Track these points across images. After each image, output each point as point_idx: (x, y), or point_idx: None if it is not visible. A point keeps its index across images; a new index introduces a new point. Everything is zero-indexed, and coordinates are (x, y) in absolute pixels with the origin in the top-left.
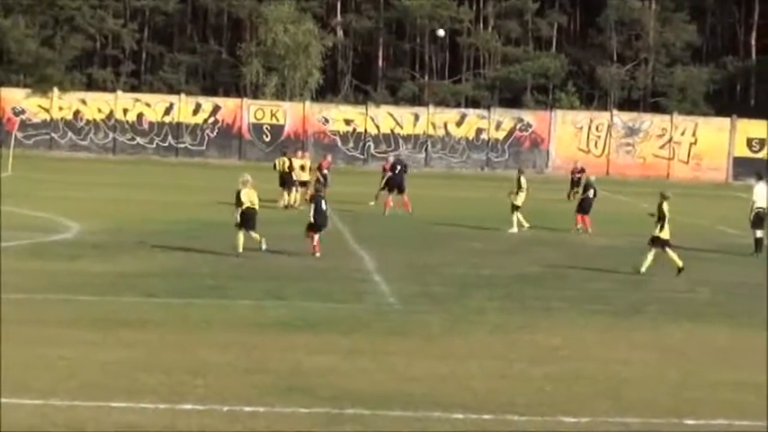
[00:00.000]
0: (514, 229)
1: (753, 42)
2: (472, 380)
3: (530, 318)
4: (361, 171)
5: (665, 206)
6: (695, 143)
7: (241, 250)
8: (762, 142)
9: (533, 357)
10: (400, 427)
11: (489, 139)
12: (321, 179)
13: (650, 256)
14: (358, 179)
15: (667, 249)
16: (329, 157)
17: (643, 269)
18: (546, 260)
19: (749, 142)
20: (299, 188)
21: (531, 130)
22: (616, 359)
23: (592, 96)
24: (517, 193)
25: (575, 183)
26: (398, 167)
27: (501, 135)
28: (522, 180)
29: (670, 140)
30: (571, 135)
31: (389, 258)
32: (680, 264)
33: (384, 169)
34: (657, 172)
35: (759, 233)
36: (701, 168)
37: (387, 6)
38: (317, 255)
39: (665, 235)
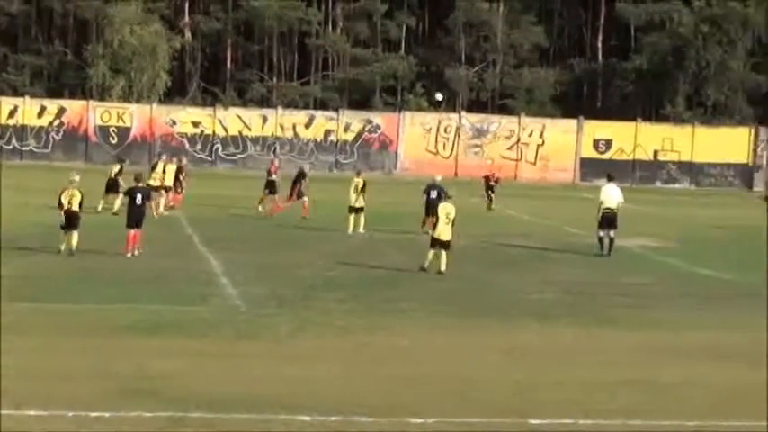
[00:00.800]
0: (357, 231)
1: (599, 44)
2: (319, 382)
3: (377, 319)
4: (209, 173)
5: (440, 209)
6: (543, 144)
7: (63, 247)
8: (608, 143)
9: (380, 358)
10: (246, 430)
11: (338, 140)
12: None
13: (430, 255)
14: (206, 182)
15: (443, 251)
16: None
17: (430, 267)
18: (394, 262)
19: (596, 143)
20: (165, 193)
21: (379, 132)
22: (463, 360)
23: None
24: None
25: (489, 188)
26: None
27: (350, 137)
28: (357, 181)
29: (518, 142)
30: (420, 137)
31: (236, 260)
32: (443, 268)
33: (269, 173)
34: (505, 173)
35: (602, 233)
36: (549, 169)
37: (235, 8)
38: (129, 254)
39: (443, 236)
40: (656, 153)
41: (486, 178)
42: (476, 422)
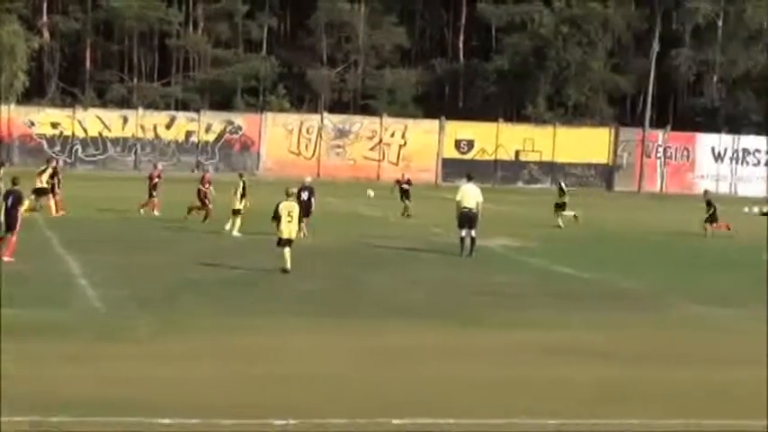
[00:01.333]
0: (236, 233)
1: (461, 45)
2: (182, 383)
3: (241, 320)
4: (68, 175)
5: (282, 207)
6: (405, 145)
7: None
8: (470, 143)
9: (244, 359)
10: None
11: (199, 141)
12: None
13: (286, 254)
14: (66, 183)
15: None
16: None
17: (288, 267)
18: (260, 263)
19: (457, 143)
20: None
21: (241, 133)
22: (328, 360)
23: (302, 99)
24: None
25: (404, 192)
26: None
27: (211, 137)
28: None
29: (380, 142)
30: (282, 137)
31: (96, 262)
32: (287, 266)
33: (151, 177)
34: (368, 173)
35: (464, 233)
36: (411, 170)
37: (94, 8)
38: (5, 259)
39: (287, 234)
40: (517, 153)
41: (398, 182)
42: (339, 422)
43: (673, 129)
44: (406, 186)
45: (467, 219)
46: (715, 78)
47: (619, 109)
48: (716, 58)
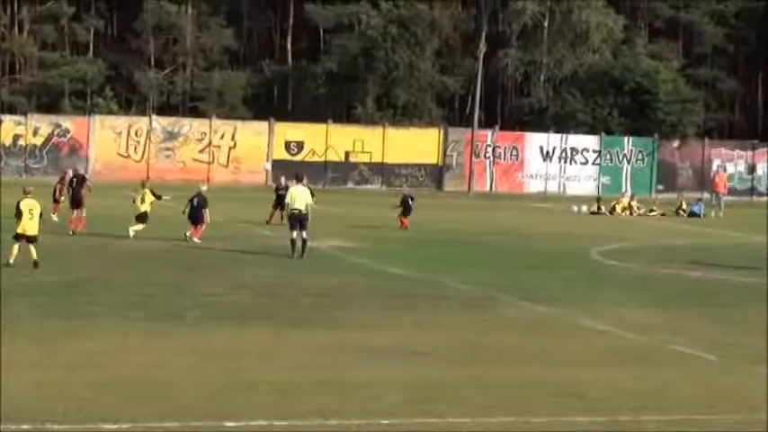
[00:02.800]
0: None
1: (289, 46)
2: (7, 389)
3: (70, 324)
4: None
5: (22, 204)
6: (234, 147)
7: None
8: (300, 145)
9: (73, 364)
10: None
11: (27, 145)
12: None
13: (15, 250)
14: None
15: (31, 245)
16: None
17: (11, 261)
18: (92, 266)
19: (287, 145)
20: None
21: (69, 136)
22: (157, 364)
23: (131, 101)
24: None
25: (280, 198)
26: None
27: (39, 141)
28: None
29: (209, 144)
30: (110, 140)
31: None
32: (36, 257)
33: (61, 182)
34: (198, 176)
35: (294, 234)
36: (241, 172)
37: None
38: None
39: (26, 231)
40: (347, 154)
41: (277, 189)
42: (171, 426)
43: (501, 129)
44: (282, 192)
45: (297, 220)
46: (542, 78)
47: (448, 109)
48: (543, 58)
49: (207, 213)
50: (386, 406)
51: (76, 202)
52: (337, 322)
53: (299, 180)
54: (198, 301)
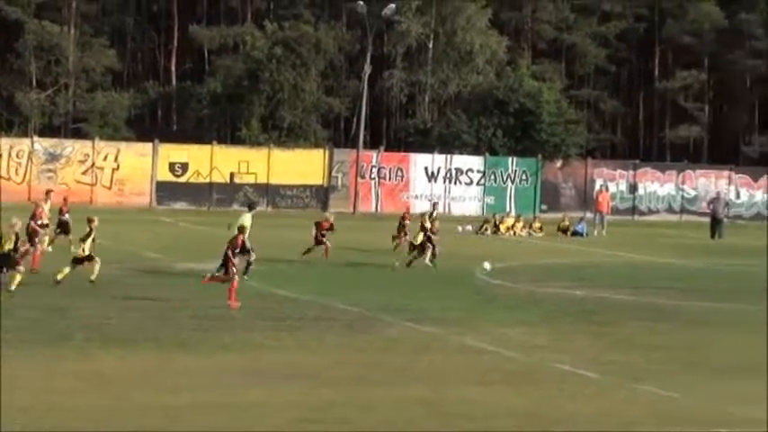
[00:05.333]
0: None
1: (173, 68)
2: None
3: None
4: None
5: None
6: (118, 168)
7: None
8: (184, 166)
9: None
10: None
11: None
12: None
13: None
14: None
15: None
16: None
17: None
18: None
19: (171, 166)
20: None
21: None
22: (45, 388)
23: (12, 122)
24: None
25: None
26: None
27: None
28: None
29: (92, 166)
30: None
31: None
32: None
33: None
34: (81, 198)
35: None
36: (125, 194)
37: None
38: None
39: None
40: (232, 175)
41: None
42: None
43: (386, 149)
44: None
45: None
46: (427, 99)
47: (333, 130)
48: (427, 79)
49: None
50: (271, 428)
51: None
52: (223, 345)
53: (250, 209)
54: (83, 323)
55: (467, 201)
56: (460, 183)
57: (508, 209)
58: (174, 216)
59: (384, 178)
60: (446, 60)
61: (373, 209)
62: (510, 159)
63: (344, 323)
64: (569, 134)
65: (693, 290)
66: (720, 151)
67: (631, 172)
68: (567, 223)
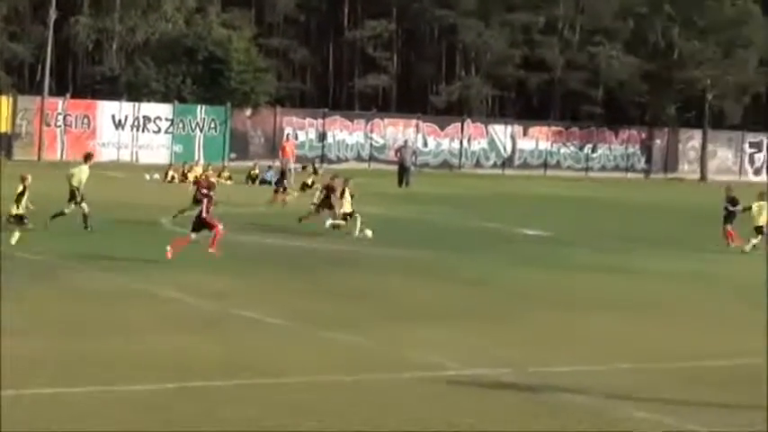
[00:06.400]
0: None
1: None
2: None
3: None
4: None
5: None
6: None
7: None
8: None
9: None
10: None
11: None
12: None
13: None
14: None
15: None
16: None
17: None
18: None
19: None
20: None
21: None
22: None
23: None
24: None
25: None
26: None
27: None
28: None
29: None
30: None
31: None
32: None
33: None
34: None
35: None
36: None
37: None
38: None
39: None
40: None
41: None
42: None
43: (73, 97)
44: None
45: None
46: (114, 46)
47: (17, 77)
48: (115, 26)
49: None
50: None
51: None
52: None
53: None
54: None
55: (155, 149)
56: (148, 131)
57: (197, 157)
58: None
59: (70, 126)
60: (134, 7)
61: (58, 157)
62: (199, 107)
63: (29, 272)
64: (259, 82)
65: (383, 238)
66: (409, 101)
67: (320, 121)
68: (256, 171)
